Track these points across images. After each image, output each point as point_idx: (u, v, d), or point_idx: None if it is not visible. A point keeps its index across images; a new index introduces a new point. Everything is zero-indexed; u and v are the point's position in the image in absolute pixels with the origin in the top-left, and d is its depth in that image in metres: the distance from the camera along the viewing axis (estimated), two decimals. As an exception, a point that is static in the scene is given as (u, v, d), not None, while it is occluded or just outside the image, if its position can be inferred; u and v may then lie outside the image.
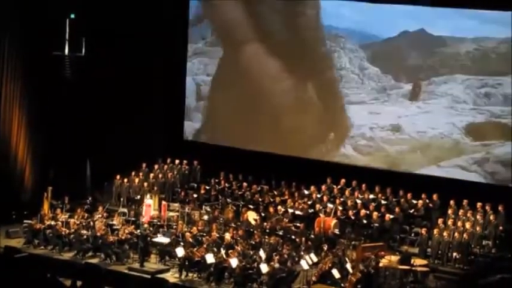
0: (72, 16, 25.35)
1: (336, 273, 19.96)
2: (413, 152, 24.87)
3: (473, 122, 23.95)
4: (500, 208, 22.24)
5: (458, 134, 24.15)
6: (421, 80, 24.68)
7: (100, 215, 23.23)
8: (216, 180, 25.76)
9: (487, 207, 22.40)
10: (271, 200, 24.37)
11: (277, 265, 20.14)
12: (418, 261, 20.86)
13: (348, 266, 20.41)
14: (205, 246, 21.13)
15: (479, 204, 22.51)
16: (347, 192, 24.14)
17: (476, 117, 23.94)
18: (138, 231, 22.22)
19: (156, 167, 26.40)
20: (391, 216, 22.70)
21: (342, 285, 19.94)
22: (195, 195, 25.21)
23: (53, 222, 22.80)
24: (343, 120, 25.92)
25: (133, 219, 23.54)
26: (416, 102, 24.76)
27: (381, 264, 20.60)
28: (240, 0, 27.10)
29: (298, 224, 22.74)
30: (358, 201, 23.57)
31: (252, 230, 22.52)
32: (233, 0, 27.17)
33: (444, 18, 24.03)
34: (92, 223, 22.73)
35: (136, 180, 25.65)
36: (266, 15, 26.76)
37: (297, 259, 20.77)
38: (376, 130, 25.37)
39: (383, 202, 23.48)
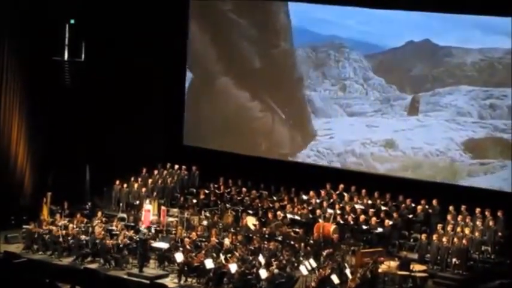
0: (72, 21, 25.39)
1: (335, 278, 19.94)
2: (403, 171, 24.64)
3: (473, 138, 23.67)
4: (499, 214, 22.23)
5: (456, 150, 23.88)
6: (421, 93, 24.46)
7: (99, 220, 23.22)
8: (215, 186, 25.76)
9: (486, 213, 22.39)
10: (271, 205, 24.36)
11: (276, 270, 20.13)
12: (417, 267, 20.87)
13: (347, 271, 20.39)
14: (204, 251, 21.12)
15: (478, 210, 22.51)
16: (346, 198, 24.14)
17: (476, 132, 23.62)
18: (137, 236, 22.21)
19: (155, 172, 26.40)
20: (390, 222, 22.69)
21: (341, 290, 19.96)
22: (194, 201, 25.21)
23: (52, 228, 22.80)
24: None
25: (132, 224, 23.55)
26: (415, 116, 24.56)
27: (380, 270, 20.59)
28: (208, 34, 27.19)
29: (297, 230, 22.73)
30: (357, 207, 23.55)
31: (251, 235, 22.52)
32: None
33: (450, 29, 23.82)
34: (91, 228, 22.72)
35: (136, 185, 25.65)
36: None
37: (296, 264, 20.78)
38: (369, 146, 25.18)
39: (382, 208, 23.47)
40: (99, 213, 23.67)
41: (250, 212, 24.17)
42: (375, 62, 25.50)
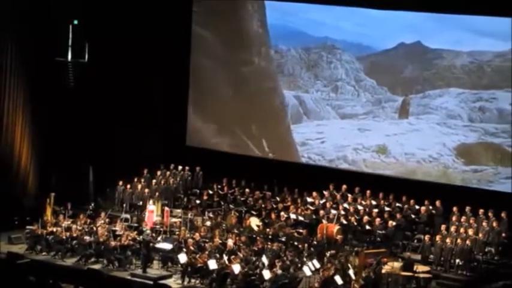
0: (76, 22, 25.43)
1: (338, 279, 19.93)
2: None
3: (465, 143, 23.70)
4: (503, 215, 22.21)
5: (449, 156, 23.90)
6: (412, 95, 24.49)
7: (102, 221, 23.22)
8: (219, 186, 25.74)
9: (490, 214, 22.37)
10: (274, 206, 24.34)
11: (279, 271, 20.14)
12: (420, 268, 20.86)
13: (351, 272, 20.38)
14: (207, 252, 21.13)
15: (481, 211, 22.48)
16: (349, 199, 24.11)
17: (467, 136, 23.66)
18: (141, 237, 22.21)
19: (158, 173, 26.39)
20: (394, 223, 22.67)
21: (345, 291, 19.96)
22: (197, 201, 25.20)
23: (55, 228, 22.81)
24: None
25: (135, 225, 23.55)
26: (406, 119, 24.57)
27: (383, 271, 20.58)
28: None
29: (300, 230, 22.73)
30: (360, 208, 23.54)
31: (254, 236, 22.52)
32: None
33: (441, 31, 23.93)
34: (94, 229, 22.72)
35: (139, 186, 25.64)
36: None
37: (299, 265, 20.77)
38: (361, 152, 25.14)
39: (386, 209, 23.45)
40: (103, 214, 23.65)
41: (254, 212, 24.16)
42: (366, 64, 25.58)
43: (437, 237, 21.79)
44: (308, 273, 20.35)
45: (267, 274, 20.07)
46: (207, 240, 22.05)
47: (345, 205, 23.82)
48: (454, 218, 22.53)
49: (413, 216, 23.22)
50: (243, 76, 26.63)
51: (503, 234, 21.95)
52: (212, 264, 20.54)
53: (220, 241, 21.80)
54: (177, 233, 22.81)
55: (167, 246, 21.78)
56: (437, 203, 23.14)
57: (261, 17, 26.23)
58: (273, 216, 23.62)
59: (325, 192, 24.51)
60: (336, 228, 22.63)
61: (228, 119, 27.01)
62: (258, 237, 22.26)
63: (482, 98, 23.65)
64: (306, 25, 26.02)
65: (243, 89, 26.79)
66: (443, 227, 22.14)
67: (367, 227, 22.67)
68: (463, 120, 23.86)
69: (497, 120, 23.38)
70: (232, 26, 26.63)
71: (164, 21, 26.86)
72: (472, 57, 23.73)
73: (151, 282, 20.37)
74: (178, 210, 24.60)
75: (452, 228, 22.09)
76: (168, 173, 26.43)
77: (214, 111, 27.27)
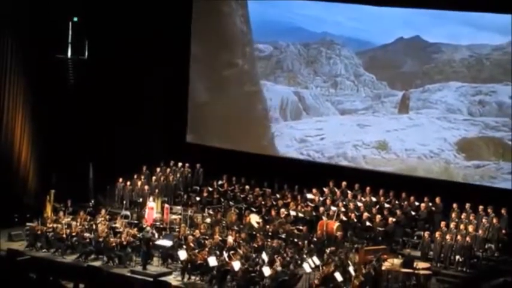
0: (75, 19, 25.43)
1: (338, 276, 19.93)
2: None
3: (466, 137, 23.71)
4: (503, 211, 22.22)
5: (450, 151, 23.91)
6: (412, 89, 24.54)
7: (102, 218, 23.22)
8: (219, 183, 25.74)
9: (490, 211, 22.36)
10: (274, 203, 24.34)
11: (279, 268, 20.13)
12: (420, 265, 20.86)
13: (351, 269, 20.38)
14: (207, 249, 21.13)
15: (481, 208, 22.48)
16: (349, 196, 24.11)
17: (468, 130, 23.69)
18: (141, 234, 22.22)
19: (158, 169, 26.38)
20: (394, 220, 22.67)
21: (345, 288, 19.96)
22: (197, 198, 25.20)
23: (55, 225, 22.81)
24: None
25: (136, 222, 23.56)
26: (406, 114, 24.59)
27: (383, 268, 20.57)
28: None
29: (300, 227, 22.73)
30: (360, 204, 23.53)
31: (254, 233, 22.51)
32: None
33: (439, 25, 23.98)
34: (94, 226, 22.73)
35: (139, 183, 25.64)
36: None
37: (299, 262, 20.77)
38: (360, 148, 25.14)
39: (386, 205, 23.44)
40: (103, 211, 23.67)
41: (254, 209, 24.16)
42: (365, 59, 25.62)
43: (437, 234, 21.79)
44: (308, 270, 20.35)
45: (267, 271, 20.06)
46: (207, 237, 22.06)
47: (345, 202, 23.82)
48: (453, 215, 22.53)
49: (413, 213, 23.22)
50: (226, 78, 26.66)
51: (503, 231, 21.96)
52: (212, 261, 20.55)
53: (220, 238, 21.80)
54: (177, 230, 22.81)
55: (167, 243, 21.78)
56: (437, 199, 23.15)
57: (244, 15, 26.21)
58: (273, 213, 23.62)
59: (325, 189, 24.52)
60: (335, 225, 22.62)
61: (205, 126, 27.11)
62: (258, 234, 22.25)
63: (481, 92, 23.70)
64: (304, 21, 26.05)
65: (226, 91, 26.83)
66: (443, 223, 22.14)
67: (367, 224, 22.67)
68: (463, 114, 23.90)
69: (497, 113, 23.43)
70: (215, 25, 26.59)
71: (164, 18, 26.84)
72: (471, 51, 23.78)
73: (151, 279, 20.39)
74: (178, 207, 24.62)
75: (452, 225, 22.09)
76: (168, 169, 26.44)
77: (202, 112, 27.24)
